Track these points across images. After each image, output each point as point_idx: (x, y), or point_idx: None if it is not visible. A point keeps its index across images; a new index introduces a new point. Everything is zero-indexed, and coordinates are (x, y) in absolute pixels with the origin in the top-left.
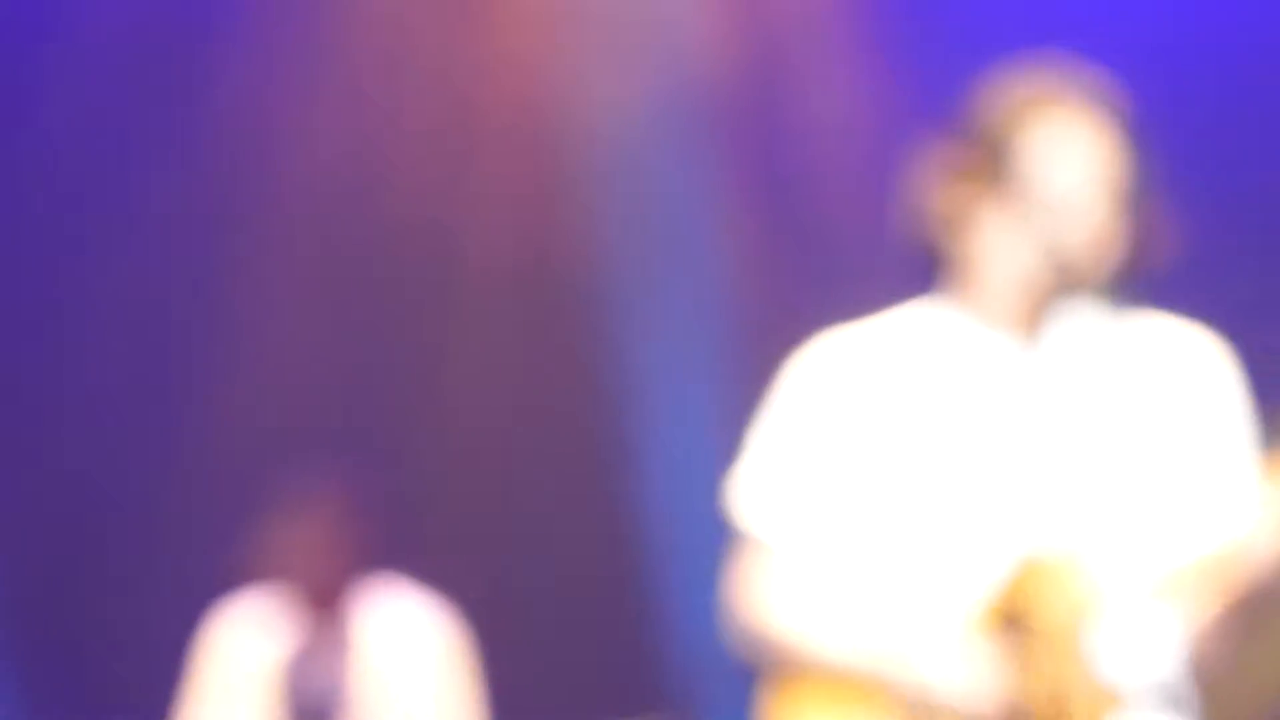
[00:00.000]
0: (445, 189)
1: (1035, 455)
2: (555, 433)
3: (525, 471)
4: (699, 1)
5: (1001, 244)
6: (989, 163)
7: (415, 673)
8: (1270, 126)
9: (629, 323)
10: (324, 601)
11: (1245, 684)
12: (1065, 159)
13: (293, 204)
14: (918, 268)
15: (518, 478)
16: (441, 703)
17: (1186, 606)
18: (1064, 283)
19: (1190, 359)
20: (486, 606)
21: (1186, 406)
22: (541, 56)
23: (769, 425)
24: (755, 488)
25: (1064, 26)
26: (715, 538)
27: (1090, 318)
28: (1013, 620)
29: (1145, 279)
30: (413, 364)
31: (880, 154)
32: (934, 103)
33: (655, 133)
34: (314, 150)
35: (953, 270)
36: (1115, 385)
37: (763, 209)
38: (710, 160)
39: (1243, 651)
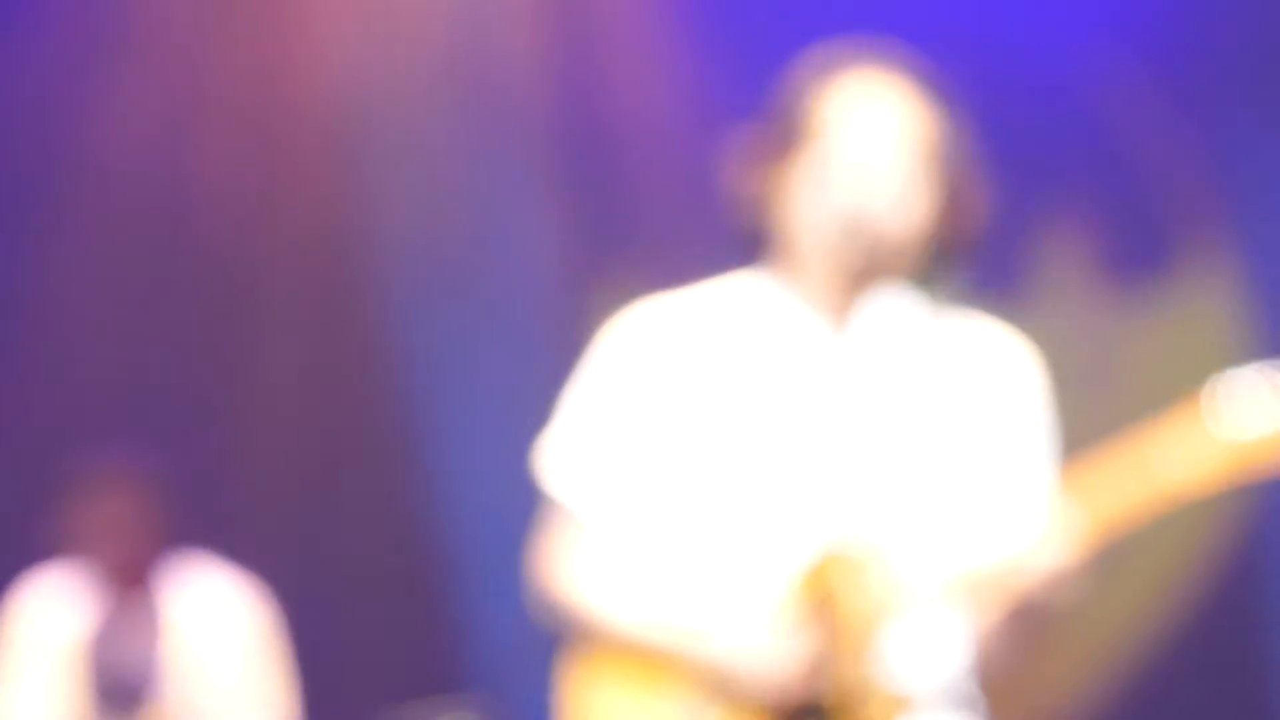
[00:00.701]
0: (244, 176)
1: (837, 441)
2: (357, 413)
3: (329, 452)
4: None
5: (809, 218)
6: (792, 136)
7: (224, 649)
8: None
9: (430, 305)
10: (129, 578)
11: (1027, 688)
12: (863, 126)
13: (91, 192)
14: (740, 248)
15: (321, 459)
16: (250, 680)
17: (973, 610)
18: (869, 256)
19: (998, 363)
20: (294, 586)
21: (987, 410)
22: (342, 55)
23: (579, 394)
24: (563, 456)
25: (881, 17)
26: (516, 517)
27: (904, 307)
28: (810, 608)
29: (963, 269)
30: (220, 344)
31: (696, 138)
32: (751, 85)
33: (461, 127)
34: (109, 139)
35: (771, 248)
36: (919, 379)
37: (576, 193)
38: (517, 149)
39: (1024, 657)
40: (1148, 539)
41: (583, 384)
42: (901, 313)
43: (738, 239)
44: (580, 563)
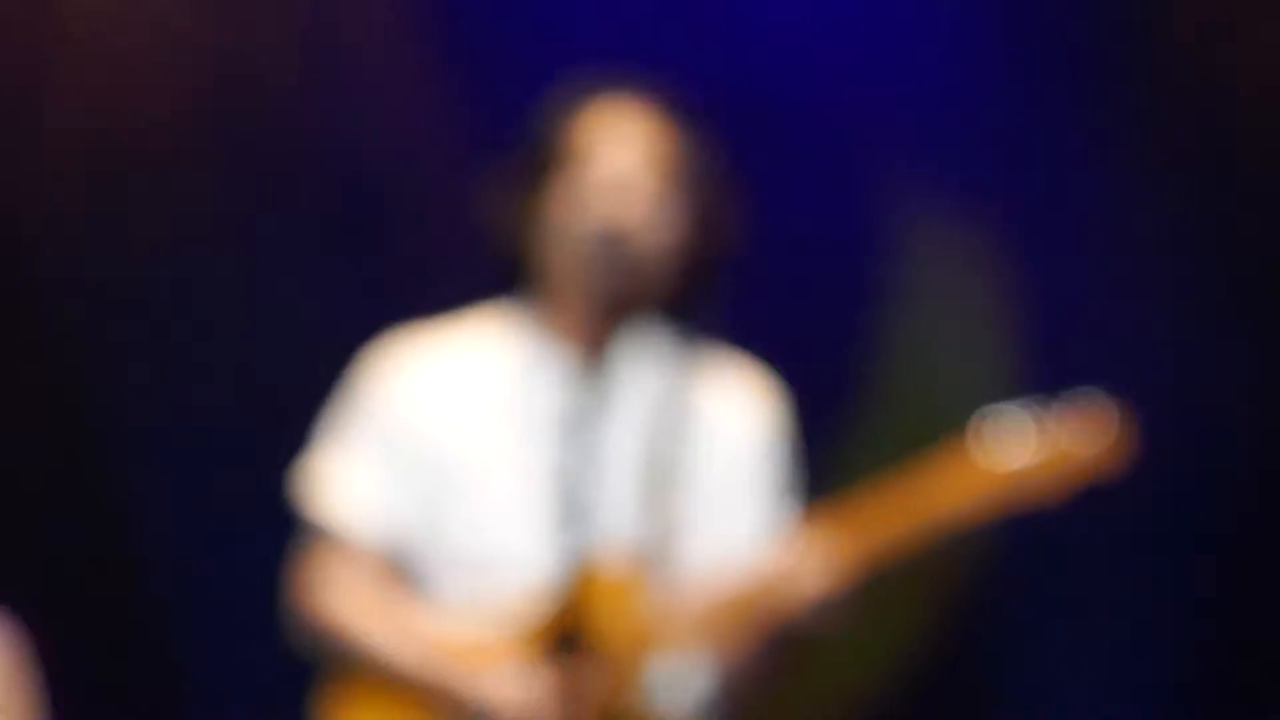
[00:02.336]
0: None
1: (588, 471)
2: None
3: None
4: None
5: (563, 240)
6: (544, 165)
7: None
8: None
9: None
10: None
11: (771, 714)
12: (612, 150)
13: None
14: (499, 278)
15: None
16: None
17: (725, 637)
18: (622, 275)
19: (742, 399)
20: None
21: (732, 444)
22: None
23: (336, 420)
24: (320, 481)
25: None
26: (240, 541)
27: (656, 340)
28: (568, 637)
29: (714, 296)
30: None
31: (453, 170)
32: (506, 116)
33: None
34: None
35: (529, 279)
36: (668, 412)
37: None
38: (268, 181)
39: (773, 684)
40: (895, 573)
41: (340, 411)
42: (653, 346)
43: (496, 270)
44: (338, 587)
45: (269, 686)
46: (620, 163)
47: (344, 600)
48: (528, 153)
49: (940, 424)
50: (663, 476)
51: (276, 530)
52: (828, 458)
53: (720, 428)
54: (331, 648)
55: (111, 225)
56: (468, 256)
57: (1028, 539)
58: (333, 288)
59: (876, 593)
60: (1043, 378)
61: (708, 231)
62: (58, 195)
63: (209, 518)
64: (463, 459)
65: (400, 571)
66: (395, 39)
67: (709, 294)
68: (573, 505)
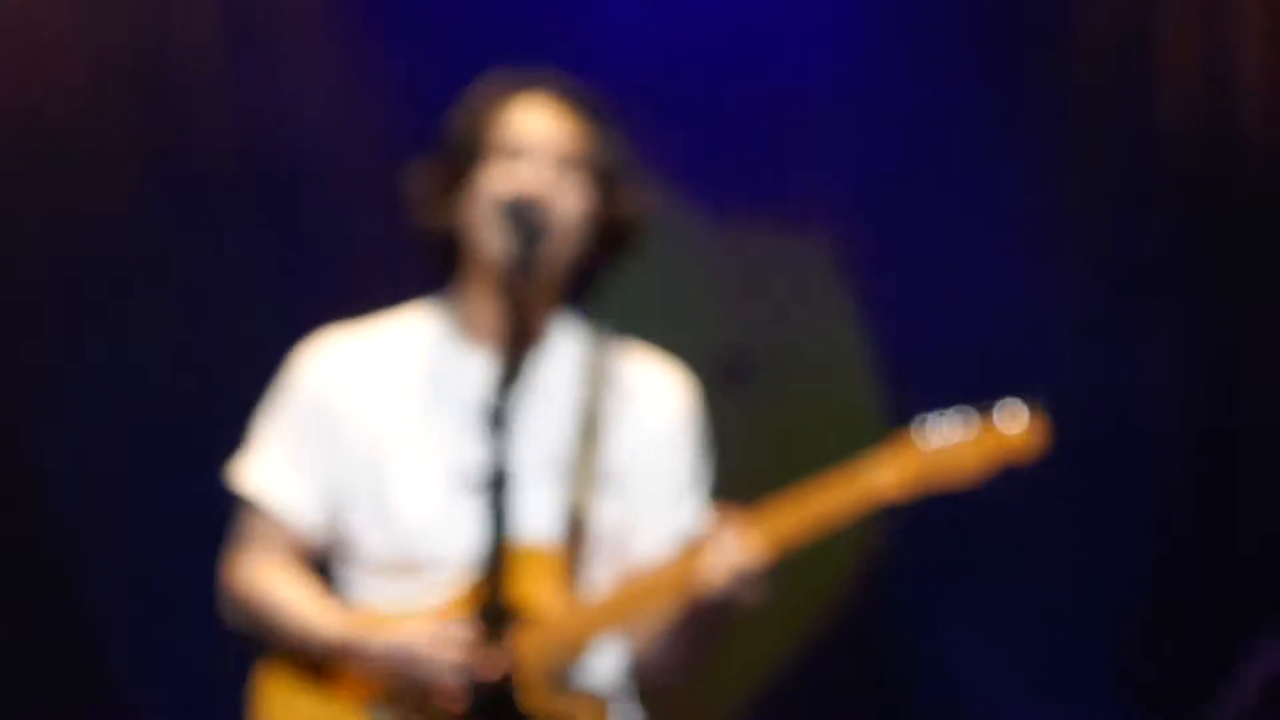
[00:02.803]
0: None
1: (508, 460)
2: None
3: None
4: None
5: (474, 218)
6: (463, 162)
7: None
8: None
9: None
10: None
11: (688, 693)
12: (521, 134)
13: None
14: (429, 270)
15: None
16: None
17: (640, 614)
18: (529, 250)
19: (653, 386)
20: None
21: (644, 429)
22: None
23: (270, 413)
24: (248, 462)
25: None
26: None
27: (572, 333)
28: (489, 613)
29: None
30: None
31: (379, 170)
32: (429, 115)
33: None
34: None
35: (454, 270)
36: (581, 402)
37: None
38: (196, 177)
39: (690, 660)
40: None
41: (271, 400)
42: (570, 336)
43: (424, 263)
44: (259, 559)
45: (206, 687)
46: (531, 141)
47: (265, 571)
48: (448, 146)
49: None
50: (582, 462)
51: (212, 527)
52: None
53: (638, 416)
54: (254, 617)
55: (31, 212)
56: (394, 251)
57: (944, 525)
58: (261, 282)
59: (793, 570)
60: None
61: (613, 212)
62: None
63: (139, 521)
64: (383, 448)
65: (326, 553)
66: (318, 31)
67: (613, 274)
68: (493, 490)
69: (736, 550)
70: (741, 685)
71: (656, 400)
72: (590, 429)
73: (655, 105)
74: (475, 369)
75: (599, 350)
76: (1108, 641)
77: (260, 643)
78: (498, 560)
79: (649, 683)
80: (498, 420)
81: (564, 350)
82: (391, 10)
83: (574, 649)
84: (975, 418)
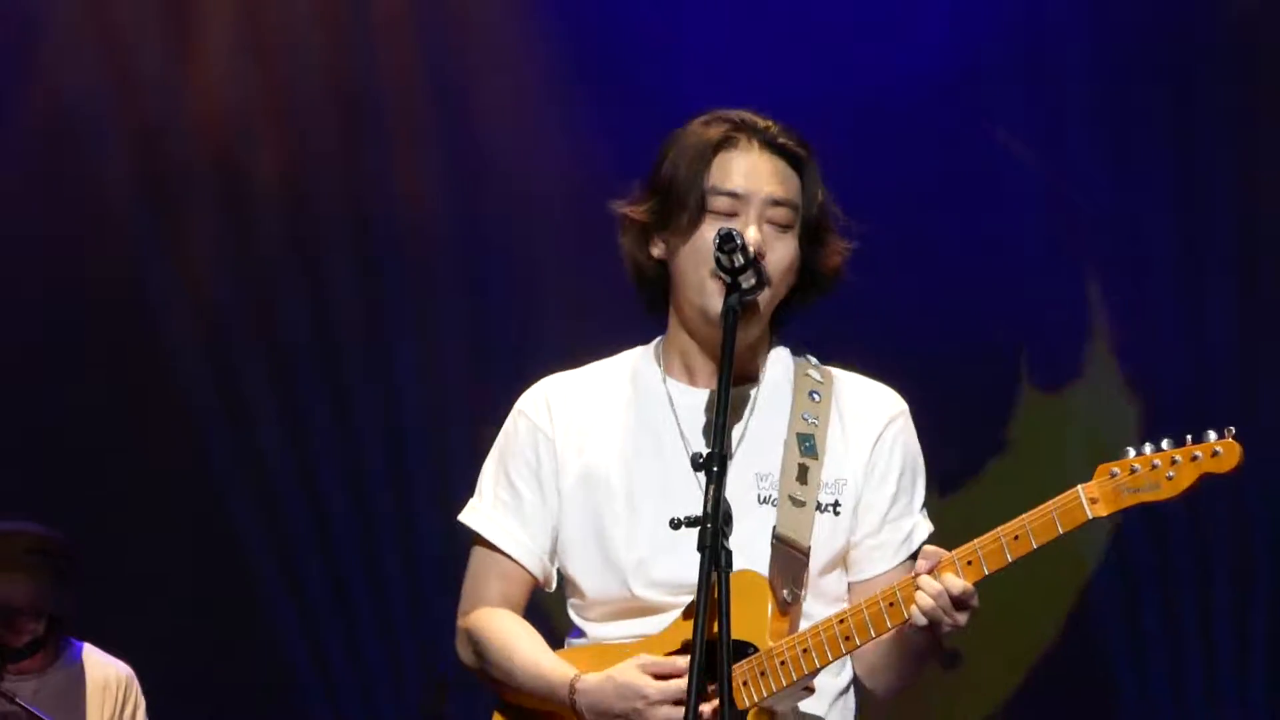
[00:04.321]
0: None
1: (720, 497)
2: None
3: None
4: None
5: (689, 281)
6: (671, 199)
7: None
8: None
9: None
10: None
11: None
12: (735, 183)
13: None
14: (645, 309)
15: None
16: None
17: (850, 645)
18: (744, 308)
19: (869, 411)
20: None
21: (860, 458)
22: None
23: (496, 456)
24: (477, 504)
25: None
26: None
27: (784, 366)
28: (707, 645)
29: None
30: None
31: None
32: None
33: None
34: None
35: (666, 309)
36: (800, 430)
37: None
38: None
39: (898, 685)
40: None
41: (498, 447)
42: (778, 369)
43: (643, 304)
44: (494, 605)
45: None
46: (746, 188)
47: (493, 614)
48: (659, 188)
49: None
50: (799, 489)
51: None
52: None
53: (852, 439)
54: (482, 658)
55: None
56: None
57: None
58: (479, 326)
59: (1001, 597)
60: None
61: (819, 259)
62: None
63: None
64: (599, 490)
65: (558, 589)
66: (522, 71)
67: (814, 306)
68: (708, 526)
69: (945, 579)
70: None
71: (870, 422)
72: (806, 456)
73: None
74: (688, 409)
75: (810, 377)
76: None
77: (488, 684)
78: (714, 594)
79: (862, 708)
80: (710, 460)
81: (777, 381)
82: (599, 49)
83: (792, 679)
84: (1174, 442)
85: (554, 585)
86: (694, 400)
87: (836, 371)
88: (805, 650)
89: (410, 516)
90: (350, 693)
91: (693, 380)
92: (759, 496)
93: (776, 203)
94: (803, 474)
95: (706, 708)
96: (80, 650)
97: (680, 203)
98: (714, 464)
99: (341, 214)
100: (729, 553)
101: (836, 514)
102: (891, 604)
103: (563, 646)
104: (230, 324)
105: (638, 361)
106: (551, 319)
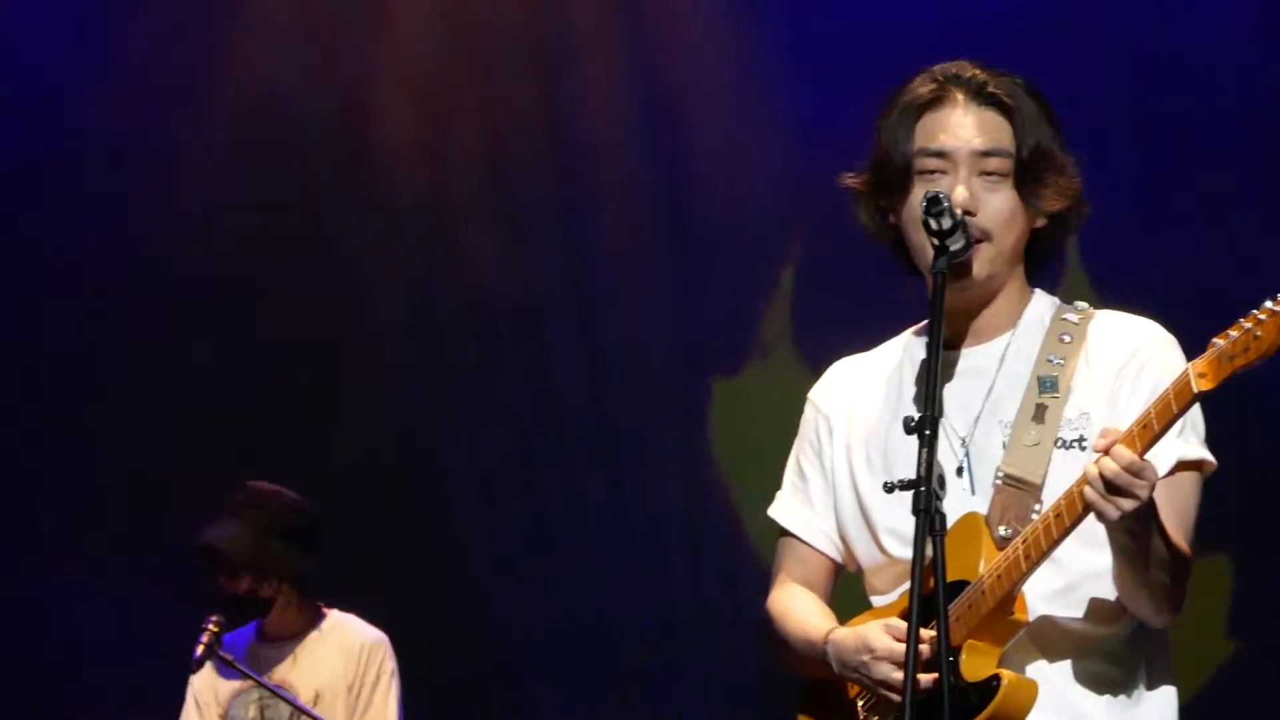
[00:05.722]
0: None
1: (936, 461)
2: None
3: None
4: None
5: (912, 246)
6: (885, 166)
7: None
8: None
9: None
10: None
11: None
12: (938, 140)
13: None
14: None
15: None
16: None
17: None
18: (958, 265)
19: (1118, 349)
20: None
21: (1104, 393)
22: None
23: (796, 443)
24: (781, 498)
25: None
26: None
27: (1040, 315)
28: (934, 597)
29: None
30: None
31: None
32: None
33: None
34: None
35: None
36: (1046, 376)
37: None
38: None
39: (1134, 587)
40: None
41: (798, 434)
42: (1034, 319)
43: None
44: (793, 590)
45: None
46: (949, 145)
47: (790, 597)
48: (876, 156)
49: None
50: (1046, 434)
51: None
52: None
53: (1097, 376)
54: (779, 641)
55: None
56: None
57: None
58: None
59: None
60: None
61: (1044, 198)
62: None
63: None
64: (858, 462)
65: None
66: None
67: (1060, 250)
68: (932, 486)
69: (1100, 461)
70: None
71: (1116, 353)
72: (1046, 394)
73: None
74: (952, 373)
75: (1066, 321)
76: None
77: (786, 667)
78: (943, 546)
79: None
80: (922, 424)
81: (1030, 330)
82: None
83: (992, 604)
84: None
85: (854, 565)
86: (944, 362)
87: (1099, 311)
88: (998, 576)
89: (615, 465)
90: (556, 644)
91: (944, 343)
92: (1003, 443)
93: (985, 154)
94: (1039, 413)
95: (925, 678)
96: (329, 616)
97: (892, 168)
98: (925, 427)
99: (545, 208)
100: (943, 515)
101: (1082, 448)
102: (1058, 514)
103: None
104: (436, 301)
105: (911, 334)
106: (769, 310)
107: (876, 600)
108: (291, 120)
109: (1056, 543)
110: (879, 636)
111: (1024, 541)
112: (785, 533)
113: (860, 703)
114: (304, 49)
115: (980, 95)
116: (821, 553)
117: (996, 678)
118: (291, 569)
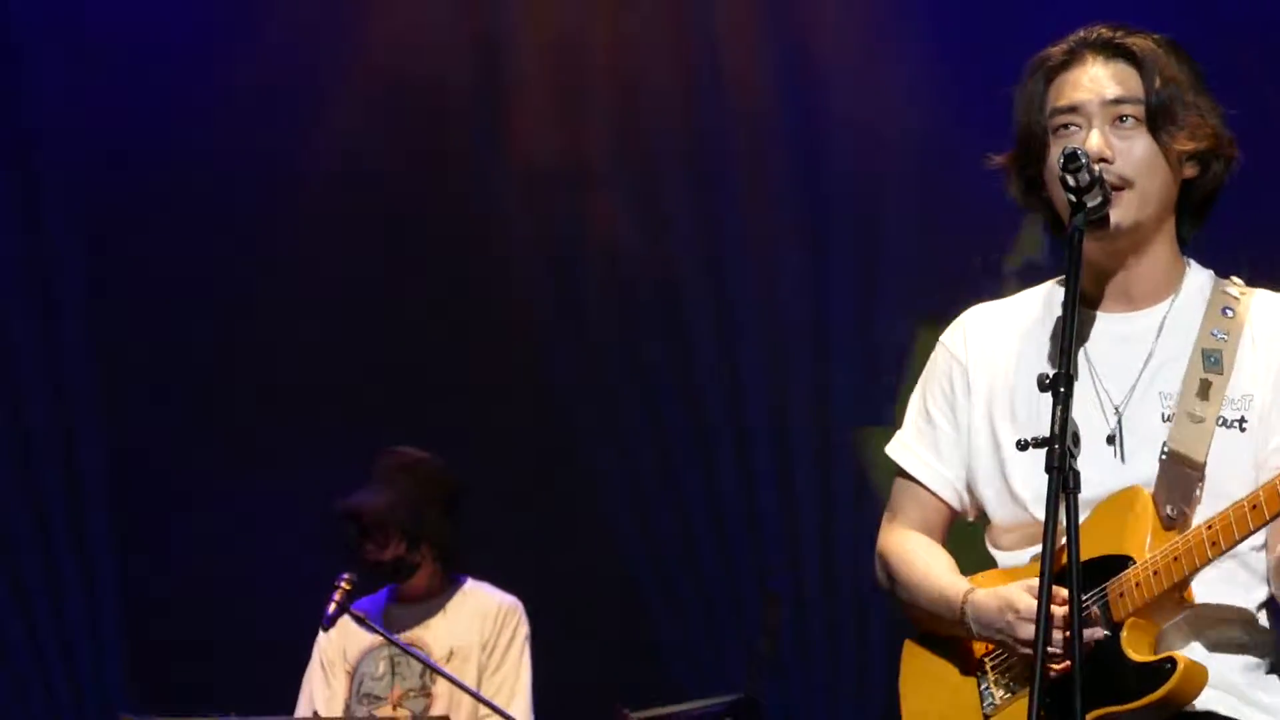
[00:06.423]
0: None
1: (1072, 420)
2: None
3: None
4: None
5: (1056, 205)
6: (1025, 134)
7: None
8: None
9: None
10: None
11: None
12: (1069, 98)
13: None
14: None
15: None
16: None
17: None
18: (1097, 221)
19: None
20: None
21: (1271, 378)
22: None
23: (921, 387)
24: (903, 439)
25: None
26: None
27: (1201, 288)
28: (1085, 565)
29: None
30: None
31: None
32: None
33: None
34: None
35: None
36: (1204, 348)
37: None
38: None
39: None
40: None
41: (923, 377)
42: (1194, 288)
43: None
44: (909, 531)
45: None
46: (1078, 100)
47: (906, 538)
48: (1017, 126)
49: None
50: (1201, 405)
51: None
52: None
53: (1261, 351)
54: (894, 581)
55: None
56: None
57: None
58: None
59: None
60: None
61: (1183, 145)
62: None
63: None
64: (997, 418)
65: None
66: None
67: (1206, 214)
68: (1055, 447)
69: None
70: None
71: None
72: (1210, 370)
73: None
74: (1082, 333)
75: (1228, 294)
76: None
77: (899, 606)
78: (1076, 505)
79: None
80: (1057, 381)
81: (1190, 299)
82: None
83: (1164, 587)
84: None
85: (973, 514)
86: (1086, 323)
87: (1261, 290)
88: (1175, 558)
89: (744, 430)
90: (692, 607)
91: (1090, 303)
92: (1163, 415)
93: (1115, 101)
94: (1204, 390)
95: (1058, 633)
96: (465, 581)
97: (1031, 134)
98: (1060, 385)
99: (680, 170)
100: (1077, 474)
101: (1242, 430)
102: (1255, 506)
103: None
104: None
105: (1054, 286)
106: (890, 278)
107: (1000, 556)
108: (430, 79)
109: (1251, 534)
110: (1021, 596)
111: (1209, 528)
112: (904, 474)
113: (990, 661)
114: (441, 9)
115: (1108, 49)
116: (943, 500)
117: (1171, 660)
118: (442, 536)
